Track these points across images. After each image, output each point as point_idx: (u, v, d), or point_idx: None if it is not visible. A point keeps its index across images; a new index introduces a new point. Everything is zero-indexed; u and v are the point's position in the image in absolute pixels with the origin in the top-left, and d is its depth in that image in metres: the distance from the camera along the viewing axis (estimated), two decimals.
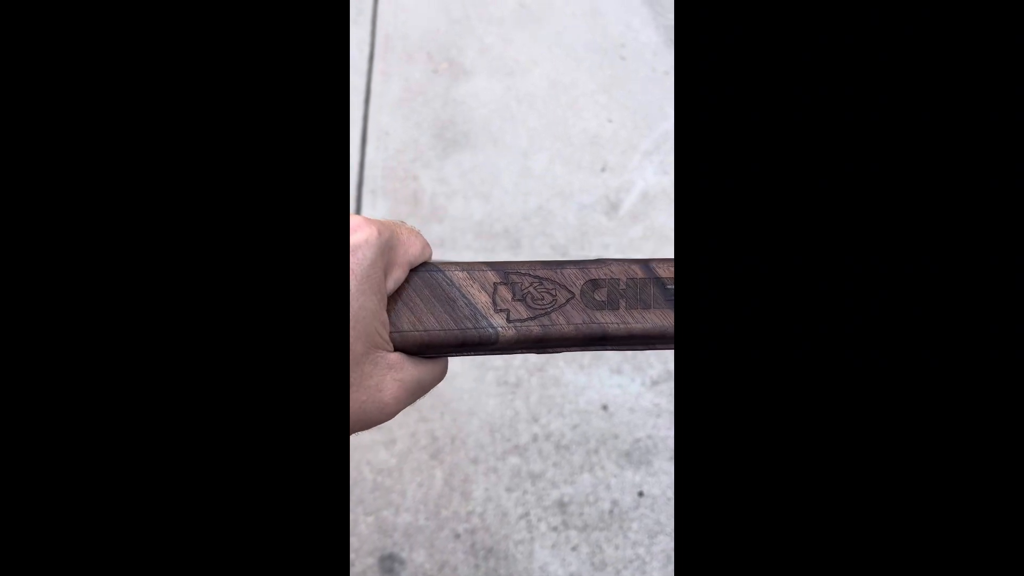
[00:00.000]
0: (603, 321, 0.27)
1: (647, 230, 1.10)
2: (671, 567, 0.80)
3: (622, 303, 0.27)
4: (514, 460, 0.86)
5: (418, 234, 0.28)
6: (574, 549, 0.80)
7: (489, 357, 0.99)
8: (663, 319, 0.27)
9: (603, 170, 1.16)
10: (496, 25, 1.38)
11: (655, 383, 0.93)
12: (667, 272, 0.28)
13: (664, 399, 0.91)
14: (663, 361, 0.94)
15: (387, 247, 0.25)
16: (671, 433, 0.89)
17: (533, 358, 0.94)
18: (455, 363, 1.08)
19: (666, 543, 0.81)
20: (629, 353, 0.95)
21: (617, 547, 0.81)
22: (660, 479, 0.86)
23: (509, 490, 0.84)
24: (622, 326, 0.27)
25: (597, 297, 0.27)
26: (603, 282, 0.27)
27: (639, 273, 0.27)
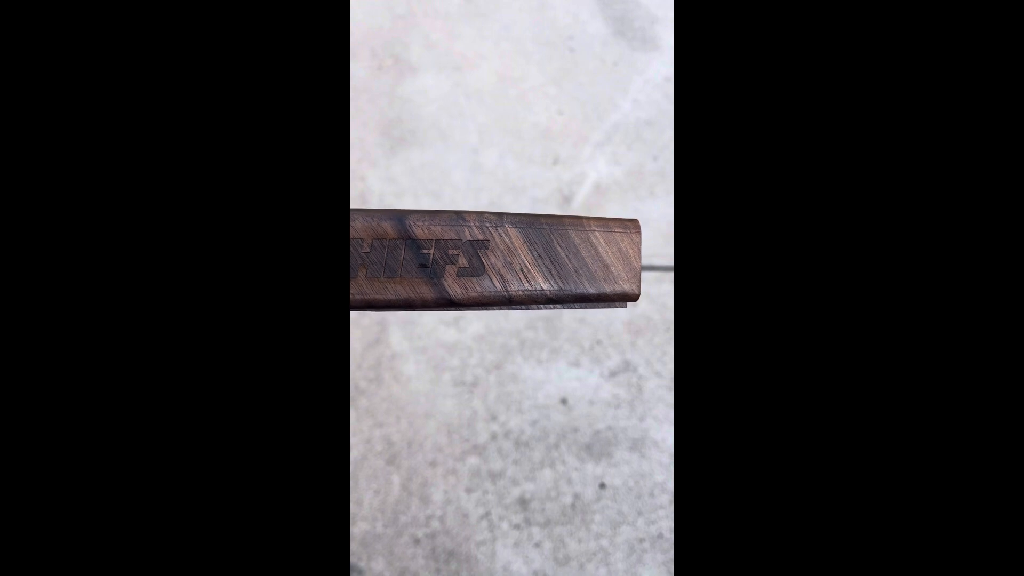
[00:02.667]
0: None
1: None
2: (634, 556, 0.80)
3: (362, 272, 0.23)
4: (473, 460, 0.85)
5: None
6: (537, 546, 0.80)
7: (445, 356, 0.97)
8: (409, 290, 0.24)
9: (555, 163, 1.16)
10: (441, 20, 1.36)
11: (613, 374, 0.93)
12: (425, 232, 0.24)
13: (623, 390, 0.91)
14: (620, 352, 0.94)
15: None
16: (631, 423, 0.89)
17: (490, 355, 0.93)
18: (410, 366, 1.06)
19: (629, 533, 0.81)
20: (586, 345, 0.95)
21: (580, 540, 0.80)
22: (621, 470, 0.85)
23: (469, 491, 0.82)
24: (358, 296, 0.23)
25: None
26: None
27: (389, 232, 0.24)
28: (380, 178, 1.11)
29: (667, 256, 1.03)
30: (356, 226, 0.24)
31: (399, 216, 0.24)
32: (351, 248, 0.24)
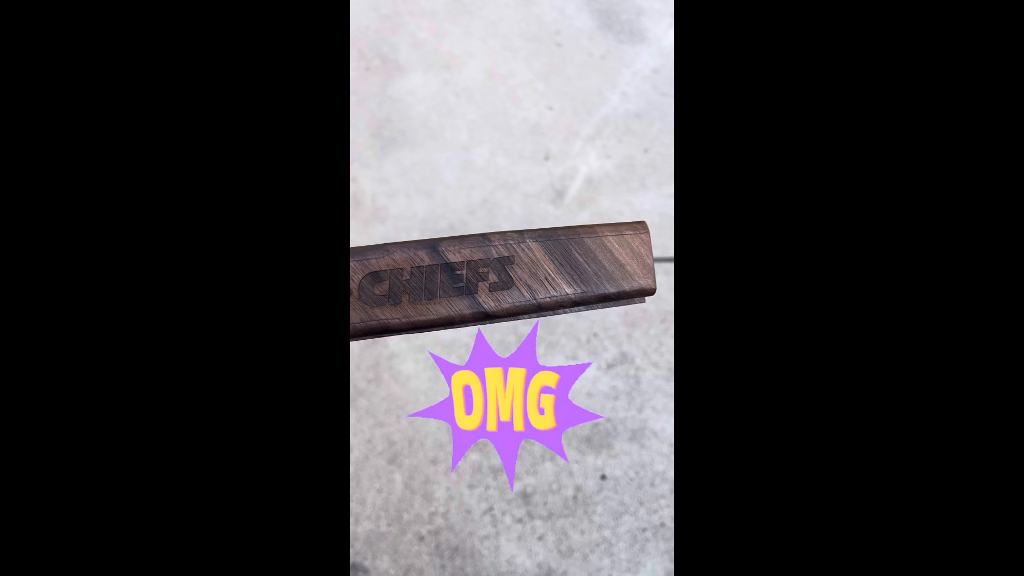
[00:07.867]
0: (383, 317, 0.26)
1: (594, 215, 1.10)
2: (637, 546, 0.81)
3: (405, 298, 0.26)
4: (475, 456, 0.85)
5: None
6: (540, 539, 0.80)
7: (443, 354, 0.97)
8: (448, 308, 0.26)
9: (546, 158, 1.16)
10: (428, 19, 1.36)
11: (611, 366, 0.93)
12: (457, 255, 0.27)
13: (620, 381, 0.92)
14: (617, 344, 0.95)
15: None
16: (629, 415, 0.89)
17: None
18: (408, 365, 1.06)
19: (631, 523, 0.82)
20: (583, 338, 0.95)
21: (583, 532, 0.81)
22: (621, 460, 0.86)
23: (471, 487, 0.83)
24: (404, 320, 0.26)
25: (377, 292, 0.26)
26: (384, 275, 0.26)
27: (425, 259, 0.26)
28: (371, 179, 1.12)
29: (660, 247, 1.04)
30: (396, 257, 0.26)
31: (432, 244, 0.26)
32: (391, 279, 0.26)
